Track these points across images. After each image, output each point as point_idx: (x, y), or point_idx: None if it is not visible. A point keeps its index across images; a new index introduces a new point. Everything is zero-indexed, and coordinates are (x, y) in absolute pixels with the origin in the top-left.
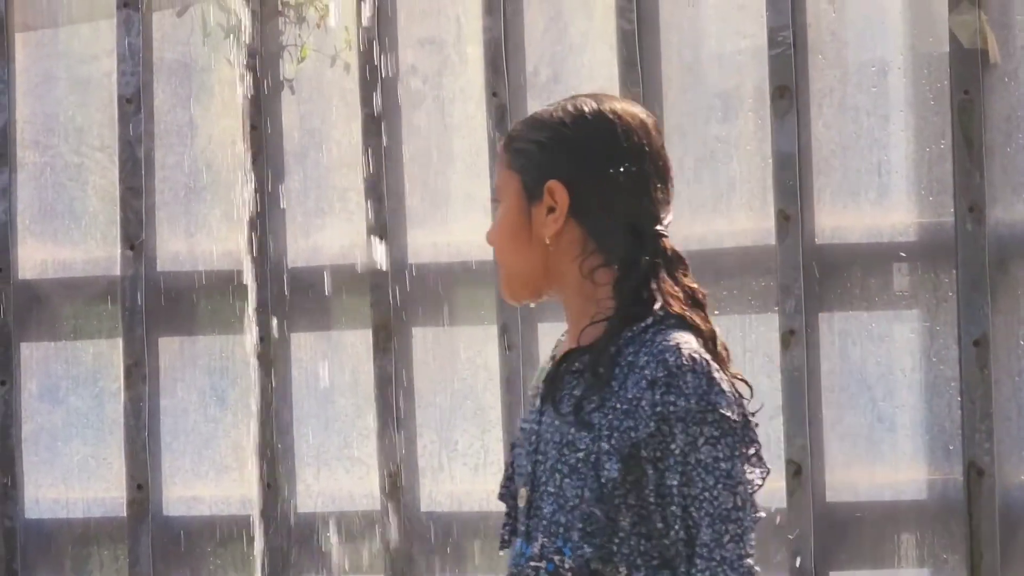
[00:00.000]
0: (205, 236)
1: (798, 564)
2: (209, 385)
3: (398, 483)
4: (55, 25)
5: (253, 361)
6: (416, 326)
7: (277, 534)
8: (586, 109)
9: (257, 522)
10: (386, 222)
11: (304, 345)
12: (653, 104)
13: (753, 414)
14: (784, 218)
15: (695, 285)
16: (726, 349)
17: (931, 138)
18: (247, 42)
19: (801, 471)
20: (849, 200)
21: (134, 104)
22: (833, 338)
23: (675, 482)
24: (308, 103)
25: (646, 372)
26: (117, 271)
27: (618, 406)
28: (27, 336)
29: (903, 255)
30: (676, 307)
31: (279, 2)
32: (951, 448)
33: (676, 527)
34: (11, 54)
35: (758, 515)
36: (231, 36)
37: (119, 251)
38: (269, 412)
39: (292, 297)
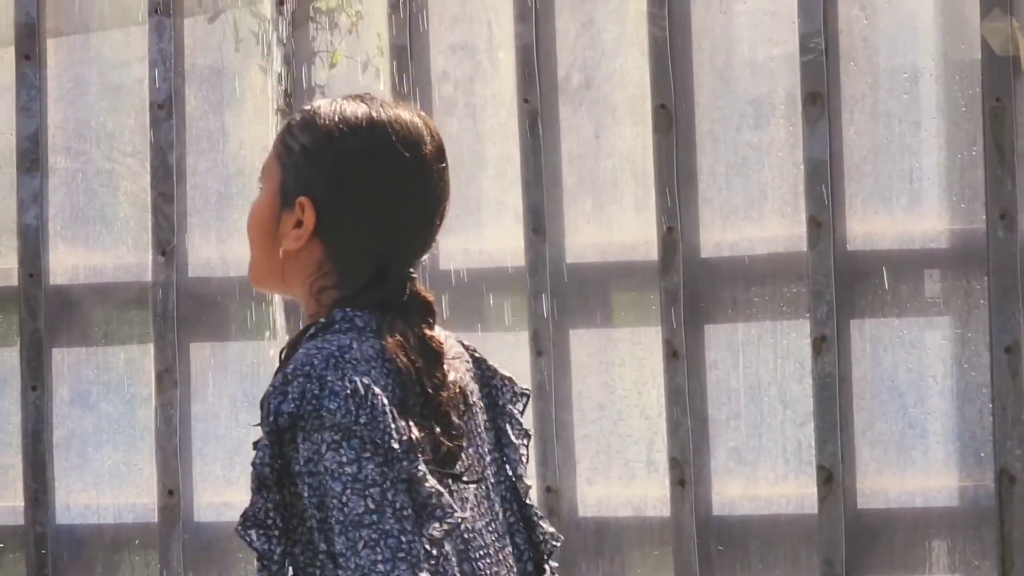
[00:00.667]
0: (236, 242)
1: (829, 570)
2: (240, 391)
3: None
4: (87, 31)
5: None
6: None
7: None
8: (362, 121)
9: None
10: None
11: None
12: (685, 110)
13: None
14: (816, 224)
15: (433, 334)
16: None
17: (962, 145)
18: (279, 48)
19: (832, 477)
20: (880, 206)
21: (165, 110)
22: (864, 344)
23: (307, 493)
24: None
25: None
26: (148, 277)
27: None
28: (58, 342)
29: (934, 263)
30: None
31: (311, 8)
32: (982, 455)
33: (318, 539)
34: (43, 59)
35: (432, 519)
36: (262, 42)
37: (150, 256)
38: None
39: None
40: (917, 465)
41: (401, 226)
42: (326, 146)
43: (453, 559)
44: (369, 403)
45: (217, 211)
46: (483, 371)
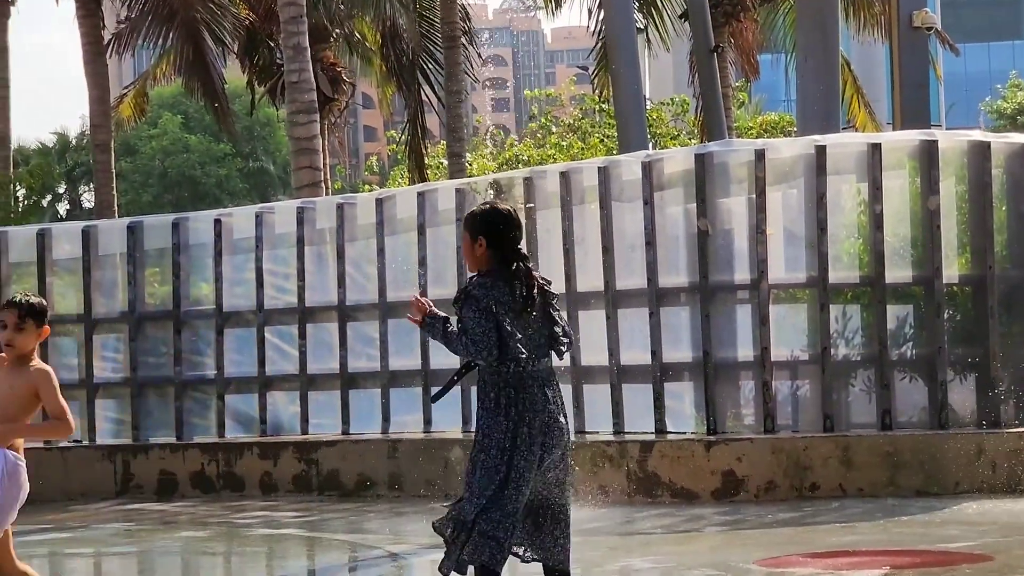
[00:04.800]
0: None
1: None
2: None
3: None
4: None
5: None
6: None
7: None
8: (494, 207)
9: None
10: None
11: None
12: None
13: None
14: None
15: (536, 275)
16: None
17: None
18: None
19: None
20: None
21: None
22: None
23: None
24: None
25: None
26: None
27: None
28: None
29: None
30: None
31: None
32: None
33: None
34: None
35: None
36: None
37: None
38: None
39: None
40: None
41: (512, 239)
42: (486, 216)
43: (521, 354)
44: (476, 299)
45: None
46: (545, 286)
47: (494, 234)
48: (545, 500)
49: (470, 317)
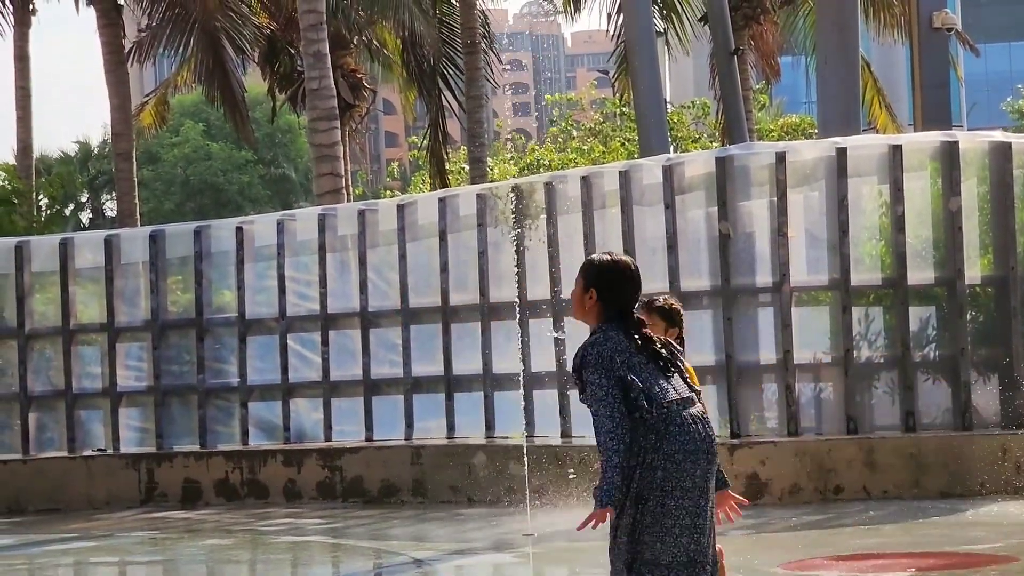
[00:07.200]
0: None
1: None
2: None
3: None
4: None
5: None
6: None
7: None
8: (609, 258)
9: None
10: None
11: None
12: None
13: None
14: None
15: (647, 331)
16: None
17: None
18: None
19: None
20: None
21: None
22: None
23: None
24: None
25: None
26: None
27: None
28: None
29: None
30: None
31: None
32: None
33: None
34: None
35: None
36: None
37: None
38: None
39: None
40: None
41: (627, 295)
42: (598, 267)
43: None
44: (599, 354)
45: None
46: (671, 345)
47: (607, 287)
48: None
49: (596, 384)
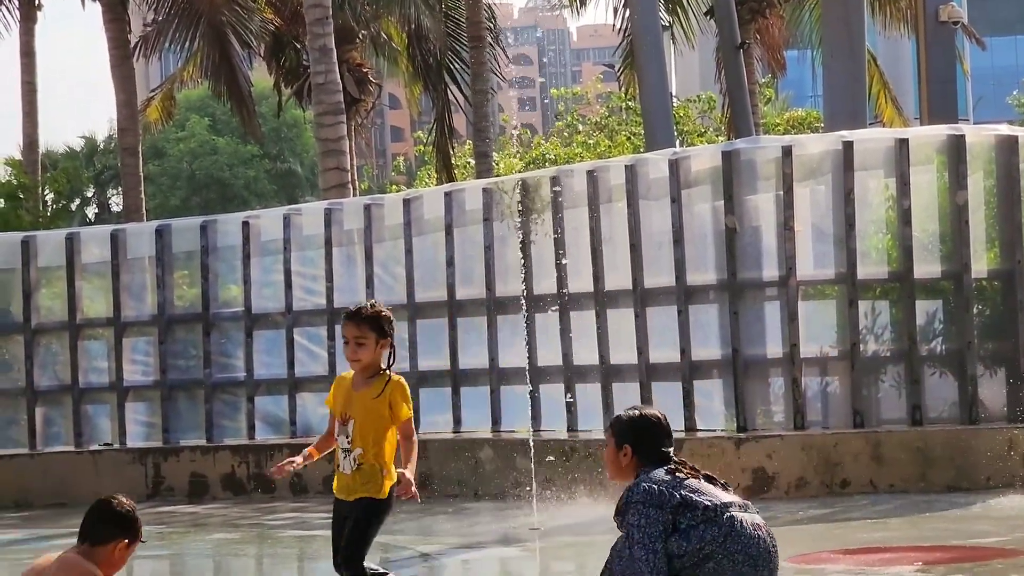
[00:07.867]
0: None
1: None
2: None
3: None
4: None
5: None
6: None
7: None
8: (639, 412)
9: None
10: None
11: None
12: None
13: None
14: None
15: (686, 471)
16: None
17: None
18: None
19: None
20: None
21: None
22: None
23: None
24: None
25: None
26: None
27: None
28: None
29: None
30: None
31: None
32: None
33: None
34: None
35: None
36: None
37: None
38: None
39: None
40: None
41: (662, 444)
42: (632, 424)
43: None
44: (646, 489)
45: None
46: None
47: (640, 440)
48: None
49: (637, 527)
